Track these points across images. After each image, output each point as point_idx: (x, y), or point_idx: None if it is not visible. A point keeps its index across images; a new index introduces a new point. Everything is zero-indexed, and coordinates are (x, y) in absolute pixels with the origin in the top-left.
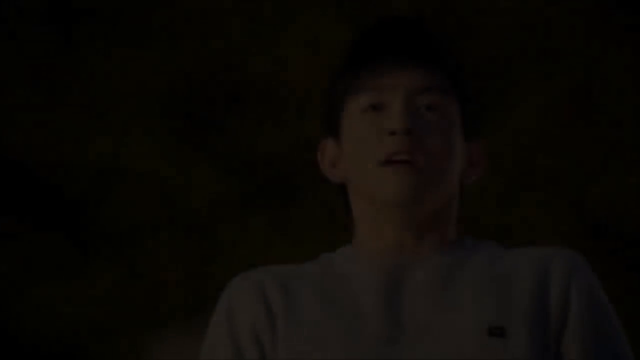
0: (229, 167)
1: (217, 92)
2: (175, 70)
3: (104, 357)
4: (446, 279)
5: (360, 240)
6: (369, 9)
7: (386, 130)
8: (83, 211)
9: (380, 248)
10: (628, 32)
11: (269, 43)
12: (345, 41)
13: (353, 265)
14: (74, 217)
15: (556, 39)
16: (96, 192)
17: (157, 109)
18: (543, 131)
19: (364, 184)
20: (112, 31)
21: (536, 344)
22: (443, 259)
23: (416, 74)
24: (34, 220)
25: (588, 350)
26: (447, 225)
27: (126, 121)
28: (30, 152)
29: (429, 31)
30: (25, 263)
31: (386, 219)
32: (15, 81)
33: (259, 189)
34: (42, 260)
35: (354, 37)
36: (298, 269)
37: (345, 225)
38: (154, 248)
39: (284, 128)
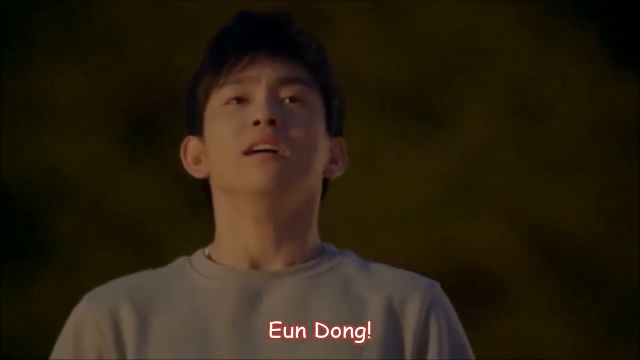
0: (178, 176)
1: (160, 101)
2: (118, 78)
3: None
4: (302, 307)
5: (218, 242)
6: (325, 26)
7: (250, 120)
8: (29, 222)
9: (238, 253)
10: (580, 39)
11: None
12: None
13: (210, 282)
14: (19, 229)
15: (502, 47)
16: (43, 202)
17: (101, 118)
18: (489, 143)
19: (225, 175)
20: (54, 40)
21: None
22: (299, 284)
23: (279, 66)
24: None
25: None
26: (308, 228)
27: (69, 130)
28: None
29: (292, 25)
30: None
31: (246, 213)
32: None
33: (201, 197)
34: None
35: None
36: (152, 282)
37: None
38: (102, 258)
39: None
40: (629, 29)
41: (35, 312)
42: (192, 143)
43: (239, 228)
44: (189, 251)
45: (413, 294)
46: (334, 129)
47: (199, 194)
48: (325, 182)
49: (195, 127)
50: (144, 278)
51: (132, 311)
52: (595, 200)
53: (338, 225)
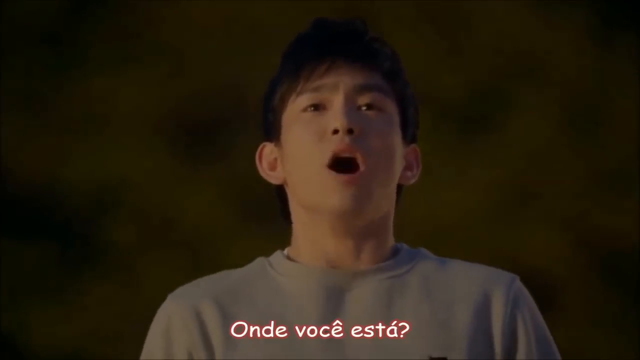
0: (229, 189)
1: (219, 112)
2: (177, 89)
3: None
4: (386, 306)
5: (296, 245)
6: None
7: (328, 129)
8: (79, 230)
9: (317, 255)
10: (633, 50)
11: (272, 64)
12: None
13: (292, 281)
14: (69, 236)
15: (554, 57)
16: (96, 210)
17: (159, 129)
18: (537, 151)
19: (306, 190)
20: (113, 50)
21: None
22: (381, 282)
23: (356, 73)
24: (26, 238)
25: None
26: (386, 230)
27: (125, 140)
28: (22, 173)
29: (368, 32)
30: (17, 281)
31: (325, 226)
32: (6, 102)
33: (258, 211)
34: (34, 278)
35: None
36: (234, 282)
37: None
38: (152, 268)
39: None
40: None
41: (92, 321)
42: (267, 149)
43: (316, 237)
44: (243, 262)
45: (496, 291)
46: (409, 136)
47: (248, 207)
48: (399, 187)
49: (271, 133)
50: (226, 278)
51: (217, 311)
52: None
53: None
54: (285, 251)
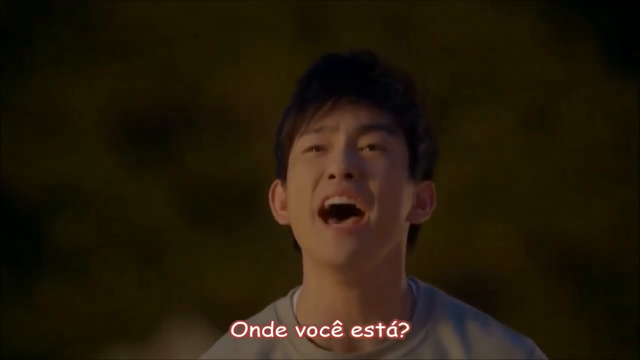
0: (180, 188)
1: (171, 113)
2: (130, 90)
3: None
4: None
5: (305, 292)
6: (327, 34)
7: (326, 172)
8: (33, 229)
9: (324, 310)
10: (588, 54)
11: (226, 66)
12: (302, 65)
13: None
14: (21, 238)
15: (513, 61)
16: (46, 210)
17: (110, 129)
18: (498, 148)
19: (302, 238)
20: (65, 51)
21: None
22: None
23: (360, 113)
24: None
25: None
26: (396, 276)
27: (79, 140)
28: None
29: (376, 66)
30: None
31: (327, 277)
32: None
33: (208, 209)
34: None
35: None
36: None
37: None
38: (104, 267)
39: (237, 150)
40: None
41: (35, 320)
42: (279, 188)
43: (324, 288)
44: (190, 261)
45: None
46: (421, 172)
47: (200, 206)
48: (414, 227)
49: (280, 172)
50: (243, 352)
51: None
52: (602, 206)
53: None
54: (295, 301)
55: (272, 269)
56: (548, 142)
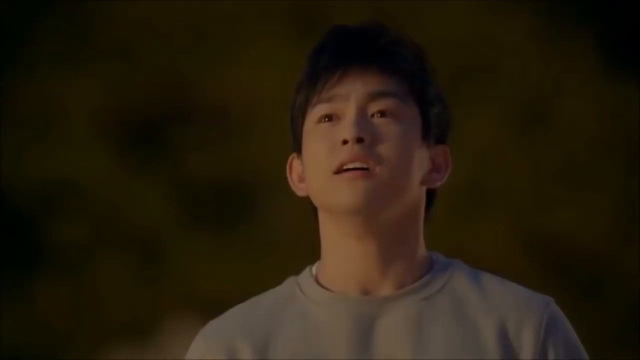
0: (179, 187)
1: (167, 112)
2: (126, 88)
3: None
4: (416, 334)
5: (324, 260)
6: (323, 31)
7: (339, 139)
8: (31, 228)
9: (344, 271)
10: (581, 48)
11: (221, 64)
12: (302, 65)
13: (322, 310)
14: (20, 237)
15: (511, 59)
16: (45, 209)
17: (107, 127)
18: (495, 147)
19: (319, 195)
20: (64, 50)
21: None
22: (411, 308)
23: (369, 80)
24: None
25: None
26: (413, 237)
27: (77, 139)
28: None
29: (384, 35)
30: None
31: (347, 230)
32: None
33: (206, 208)
34: None
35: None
36: (265, 314)
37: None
38: (103, 266)
39: (236, 150)
40: (631, 39)
41: (33, 319)
42: (295, 161)
43: (342, 246)
44: (186, 258)
45: (528, 317)
46: (435, 137)
47: (197, 204)
48: (431, 191)
49: (295, 145)
50: (257, 308)
51: (250, 349)
52: (598, 205)
53: None
54: (314, 269)
55: (271, 268)
56: (547, 141)
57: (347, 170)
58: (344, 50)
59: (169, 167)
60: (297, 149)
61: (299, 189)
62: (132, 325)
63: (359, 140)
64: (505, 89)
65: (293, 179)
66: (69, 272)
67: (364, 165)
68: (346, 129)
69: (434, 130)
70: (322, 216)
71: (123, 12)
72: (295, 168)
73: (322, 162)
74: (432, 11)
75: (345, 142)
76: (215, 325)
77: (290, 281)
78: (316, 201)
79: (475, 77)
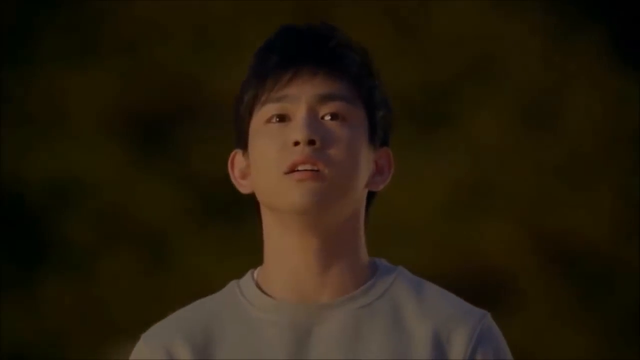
0: (184, 183)
1: (173, 109)
2: (132, 86)
3: None
4: (352, 340)
5: (266, 263)
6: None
7: (290, 140)
8: (37, 226)
9: (286, 275)
10: (589, 46)
11: (227, 61)
12: None
13: (262, 315)
14: (28, 230)
15: (517, 56)
16: (51, 207)
17: (114, 125)
18: (502, 145)
19: (268, 194)
20: (69, 47)
21: None
22: (349, 315)
23: (319, 83)
24: None
25: None
26: (355, 240)
27: (83, 137)
28: None
29: (334, 38)
30: None
31: (290, 227)
32: None
33: (214, 204)
34: None
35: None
36: (206, 317)
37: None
38: (108, 263)
39: None
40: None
41: (37, 317)
42: (238, 157)
43: (284, 245)
44: (195, 254)
45: (461, 327)
46: (379, 140)
47: (204, 200)
48: (371, 194)
49: (240, 142)
50: (198, 312)
51: (188, 349)
52: (603, 203)
53: None
54: (256, 273)
55: None
56: (551, 139)
57: (298, 171)
58: (296, 51)
59: (175, 165)
60: (241, 145)
61: (241, 186)
62: (139, 323)
63: (311, 142)
64: (512, 86)
65: (235, 175)
66: (75, 270)
67: (315, 168)
68: (298, 130)
69: (379, 134)
70: (265, 213)
71: (129, 11)
72: (237, 164)
73: (272, 162)
74: (441, 9)
75: (296, 143)
76: (156, 329)
77: (232, 285)
78: (263, 200)
79: (482, 75)
